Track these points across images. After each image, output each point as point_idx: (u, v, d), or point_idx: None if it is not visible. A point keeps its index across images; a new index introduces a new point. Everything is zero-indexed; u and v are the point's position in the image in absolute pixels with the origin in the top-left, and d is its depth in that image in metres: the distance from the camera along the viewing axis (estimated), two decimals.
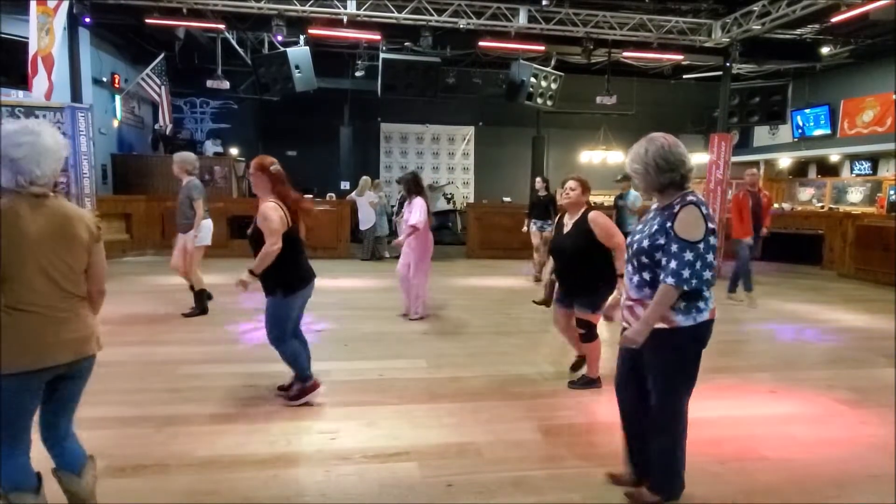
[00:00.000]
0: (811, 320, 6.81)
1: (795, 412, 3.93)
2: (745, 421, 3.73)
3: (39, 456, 2.18)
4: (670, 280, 2.38)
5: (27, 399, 2.02)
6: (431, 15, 9.27)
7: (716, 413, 3.85)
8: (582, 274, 3.99)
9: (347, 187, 13.43)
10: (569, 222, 4.11)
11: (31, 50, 7.03)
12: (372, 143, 16.75)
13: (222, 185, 12.61)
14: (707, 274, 2.42)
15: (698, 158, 16.47)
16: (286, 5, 8.95)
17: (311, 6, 9.01)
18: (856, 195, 14.47)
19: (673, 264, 2.38)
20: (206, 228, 5.98)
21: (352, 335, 5.57)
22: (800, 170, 16.44)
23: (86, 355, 2.13)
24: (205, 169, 12.79)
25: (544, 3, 9.29)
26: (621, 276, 3.58)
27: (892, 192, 13.17)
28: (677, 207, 2.43)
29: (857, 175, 14.47)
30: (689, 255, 2.37)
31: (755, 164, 16.79)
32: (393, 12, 9.21)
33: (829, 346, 5.67)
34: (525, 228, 9.02)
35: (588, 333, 4.18)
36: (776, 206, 15.15)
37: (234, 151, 14.89)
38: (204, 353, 4.84)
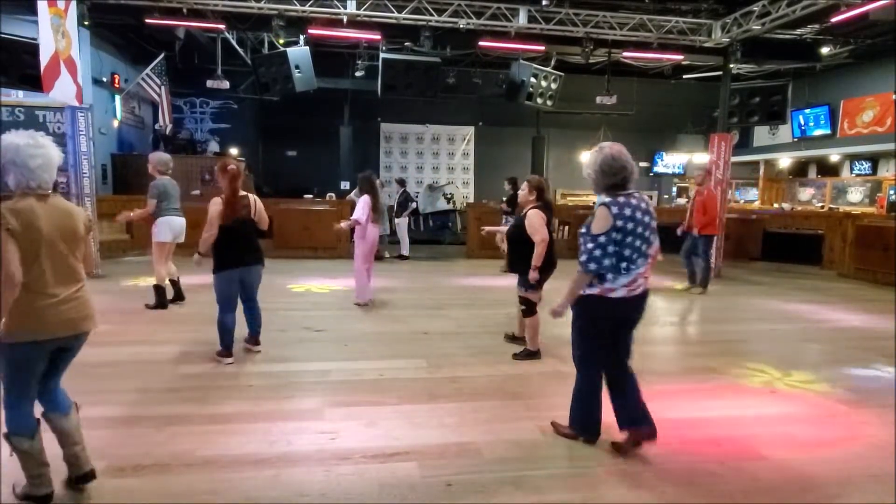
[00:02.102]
0: (811, 320, 6.81)
1: (795, 412, 3.93)
2: (745, 421, 3.73)
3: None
4: (579, 266, 2.99)
5: (34, 363, 2.41)
6: (431, 15, 9.27)
7: (716, 413, 3.86)
8: (517, 258, 4.78)
9: (347, 187, 13.42)
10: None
11: (48, 52, 6.96)
12: (372, 143, 16.76)
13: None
14: (607, 261, 2.93)
15: (698, 158, 16.52)
16: (286, 5, 8.95)
17: (311, 6, 9.01)
18: (856, 195, 14.47)
19: (582, 251, 2.98)
20: (160, 225, 6.25)
21: (352, 335, 5.58)
22: (800, 170, 16.45)
23: (84, 331, 2.52)
24: (205, 169, 12.81)
25: (544, 3, 9.29)
26: (535, 267, 4.55)
27: (892, 192, 13.18)
28: (596, 208, 2.98)
29: (857, 175, 14.47)
30: (590, 244, 2.94)
31: (755, 164, 16.84)
32: (393, 12, 9.21)
33: (829, 346, 5.67)
34: None
35: (527, 310, 4.91)
36: (776, 205, 15.18)
37: (234, 151, 14.88)
38: (204, 353, 4.84)
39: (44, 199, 2.35)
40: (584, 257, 2.94)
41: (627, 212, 2.93)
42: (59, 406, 2.62)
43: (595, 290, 3.02)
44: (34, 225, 2.27)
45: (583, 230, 3.02)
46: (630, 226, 2.93)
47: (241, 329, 4.82)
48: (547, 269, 4.73)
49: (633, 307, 3.10)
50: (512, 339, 5.40)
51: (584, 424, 3.33)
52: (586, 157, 3.13)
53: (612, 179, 2.97)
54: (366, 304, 6.87)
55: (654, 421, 3.17)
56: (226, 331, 4.59)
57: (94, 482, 2.67)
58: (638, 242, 2.98)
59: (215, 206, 4.37)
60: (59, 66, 7.21)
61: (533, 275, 4.58)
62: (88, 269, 2.59)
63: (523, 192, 4.88)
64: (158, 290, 6.31)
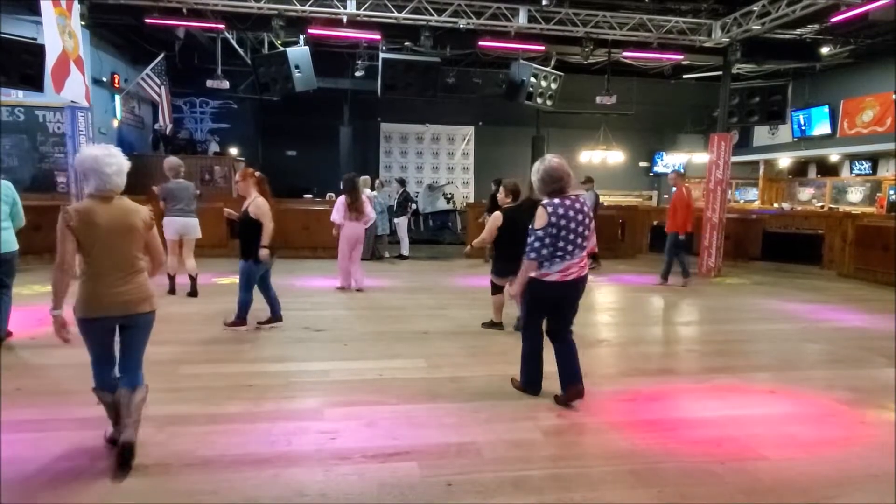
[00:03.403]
0: (811, 320, 6.82)
1: (795, 412, 3.93)
2: (745, 421, 3.73)
3: None
4: (525, 256, 3.67)
5: (98, 336, 2.88)
6: (431, 15, 9.26)
7: (716, 413, 3.86)
8: (493, 250, 5.68)
9: None
10: None
11: (55, 52, 6.99)
12: (372, 143, 16.75)
13: (222, 185, 12.58)
14: (546, 251, 3.60)
15: (698, 158, 16.52)
16: (286, 5, 8.95)
17: (311, 6, 9.01)
18: (856, 195, 14.47)
19: (527, 244, 3.64)
20: (165, 224, 6.93)
21: (351, 335, 5.58)
22: (800, 170, 16.44)
23: (139, 312, 2.91)
24: (205, 169, 12.81)
25: (544, 3, 9.27)
26: (471, 244, 6.11)
27: (891, 192, 13.18)
28: (538, 209, 3.62)
29: (857, 175, 14.47)
30: (531, 238, 3.62)
31: (755, 163, 16.83)
32: (393, 12, 9.21)
33: (829, 346, 5.67)
34: None
35: (493, 289, 5.76)
36: (776, 205, 15.19)
37: (233, 151, 14.87)
38: (204, 353, 4.84)
39: (108, 201, 2.80)
40: (527, 248, 3.63)
41: (561, 211, 3.58)
42: (129, 382, 3.00)
43: (534, 275, 3.71)
44: (92, 222, 2.72)
45: (529, 227, 3.69)
46: (563, 222, 3.56)
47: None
48: (513, 260, 5.16)
49: (568, 288, 3.73)
50: (493, 325, 5.91)
51: (530, 380, 4.01)
52: (533, 168, 3.75)
53: (552, 186, 3.64)
54: (343, 288, 7.76)
55: (583, 383, 3.82)
56: (247, 304, 5.48)
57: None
58: (572, 237, 3.61)
59: (265, 205, 5.22)
60: (69, 65, 7.25)
61: (467, 250, 6.17)
62: (160, 259, 3.06)
63: (500, 194, 5.55)
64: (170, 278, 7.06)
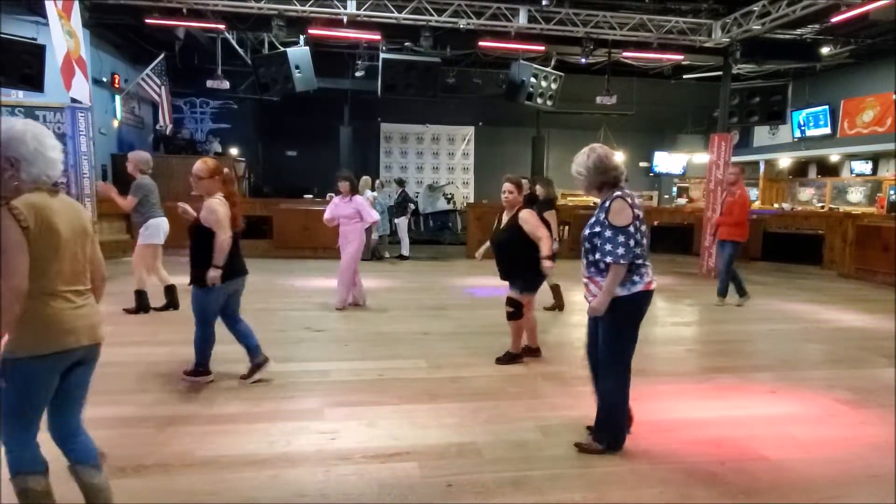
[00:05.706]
0: (811, 320, 6.81)
1: (795, 412, 3.93)
2: (745, 421, 3.73)
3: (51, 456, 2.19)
4: (610, 259, 2.93)
5: (50, 381, 2.07)
6: (431, 15, 9.26)
7: (716, 413, 3.86)
8: (513, 263, 4.56)
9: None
10: (504, 219, 4.67)
11: (61, 52, 7.07)
12: (372, 143, 16.75)
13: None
14: (638, 251, 2.97)
15: (698, 158, 16.52)
16: (286, 5, 8.95)
17: (311, 6, 9.02)
18: (856, 195, 14.47)
19: (609, 247, 2.94)
20: (152, 227, 6.01)
21: (352, 335, 5.58)
22: (800, 170, 16.43)
23: (98, 341, 2.20)
24: None
25: (544, 3, 9.29)
26: (546, 257, 4.37)
27: (892, 192, 13.17)
28: (608, 202, 3.02)
29: (857, 175, 14.47)
30: (621, 237, 2.93)
31: (755, 164, 16.83)
32: (393, 12, 9.21)
33: (829, 346, 5.67)
34: None
35: (515, 312, 4.61)
36: (777, 205, 15.18)
37: (233, 151, 14.87)
38: None
39: (55, 194, 2.08)
40: (620, 250, 2.90)
41: (637, 202, 3.08)
42: (88, 454, 2.23)
43: (640, 287, 3.03)
44: (52, 222, 1.99)
45: (596, 229, 3.02)
46: (641, 216, 3.04)
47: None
48: (537, 267, 4.52)
49: (651, 299, 3.17)
50: (530, 352, 4.90)
51: (616, 435, 3.19)
52: (576, 159, 3.12)
53: (604, 177, 3.06)
54: (343, 309, 6.66)
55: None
56: (209, 344, 4.09)
57: None
58: (644, 238, 3.08)
59: (223, 206, 3.86)
60: (73, 65, 7.30)
61: (548, 263, 4.38)
62: (101, 272, 2.30)
63: (512, 194, 4.53)
64: (140, 294, 6.00)
